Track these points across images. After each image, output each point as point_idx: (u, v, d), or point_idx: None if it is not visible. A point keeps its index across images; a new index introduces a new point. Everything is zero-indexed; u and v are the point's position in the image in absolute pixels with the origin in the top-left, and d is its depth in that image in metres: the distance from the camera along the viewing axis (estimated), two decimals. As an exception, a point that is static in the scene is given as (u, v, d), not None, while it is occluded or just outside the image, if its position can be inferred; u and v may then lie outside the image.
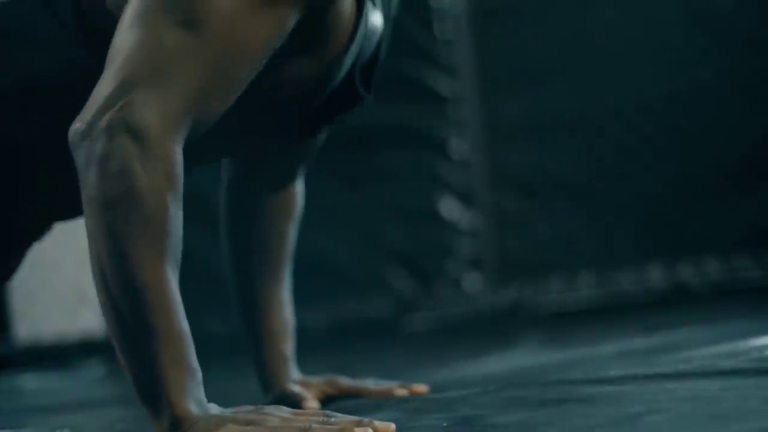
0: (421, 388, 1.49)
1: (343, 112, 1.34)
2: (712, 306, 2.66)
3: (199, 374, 1.03)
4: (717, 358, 1.44)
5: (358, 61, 1.28)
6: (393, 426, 1.04)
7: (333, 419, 1.02)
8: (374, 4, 1.27)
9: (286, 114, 1.27)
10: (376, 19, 1.28)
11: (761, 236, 2.95)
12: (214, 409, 1.02)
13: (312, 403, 1.43)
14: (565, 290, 3.15)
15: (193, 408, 1.01)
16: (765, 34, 2.97)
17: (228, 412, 1.02)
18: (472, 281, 3.25)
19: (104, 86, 1.05)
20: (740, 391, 1.12)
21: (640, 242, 3.09)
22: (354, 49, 1.23)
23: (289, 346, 1.53)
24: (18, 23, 1.23)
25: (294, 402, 1.41)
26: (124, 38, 1.07)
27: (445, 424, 1.10)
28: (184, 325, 1.02)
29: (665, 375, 1.31)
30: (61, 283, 3.30)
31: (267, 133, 1.32)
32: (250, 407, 1.03)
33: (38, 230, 1.35)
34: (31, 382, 2.91)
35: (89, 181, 1.02)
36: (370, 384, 1.50)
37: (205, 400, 1.03)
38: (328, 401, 1.46)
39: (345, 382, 1.51)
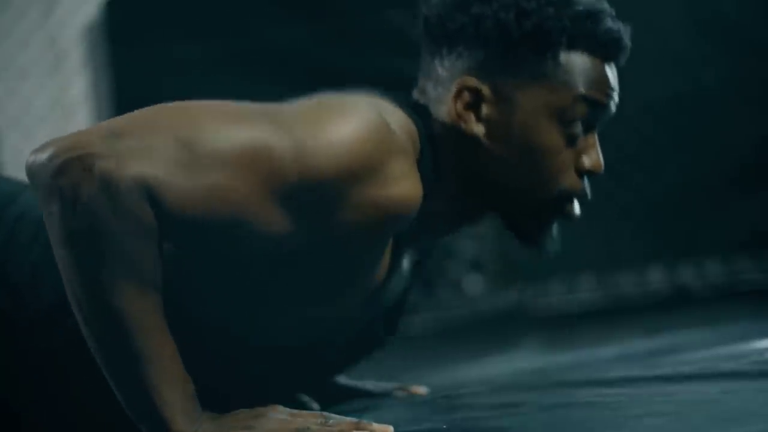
0: (421, 389, 1.49)
1: (363, 356, 1.31)
2: (713, 308, 2.66)
3: (191, 385, 1.02)
4: (718, 361, 1.44)
5: (384, 307, 1.25)
6: (391, 428, 1.03)
7: (331, 421, 1.02)
8: (408, 253, 1.24)
9: (304, 355, 1.22)
10: (405, 264, 1.25)
11: (762, 238, 2.94)
12: (210, 418, 1.02)
13: (310, 405, 1.42)
14: (566, 292, 3.14)
15: (189, 422, 1.00)
16: (767, 37, 2.97)
17: (225, 417, 1.02)
18: (473, 283, 3.25)
19: (84, 132, 1.02)
20: (741, 393, 1.12)
21: (641, 244, 3.09)
22: (382, 296, 1.20)
23: None
24: None
25: (292, 404, 1.40)
26: (132, 114, 1.04)
27: (444, 426, 1.09)
28: (168, 342, 1.01)
29: (666, 377, 1.30)
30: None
31: (284, 371, 1.27)
32: (246, 410, 1.03)
33: None
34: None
35: (52, 214, 0.99)
36: (370, 385, 1.50)
37: (200, 411, 1.02)
38: (327, 403, 1.46)
39: (344, 383, 1.51)
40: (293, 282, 1.11)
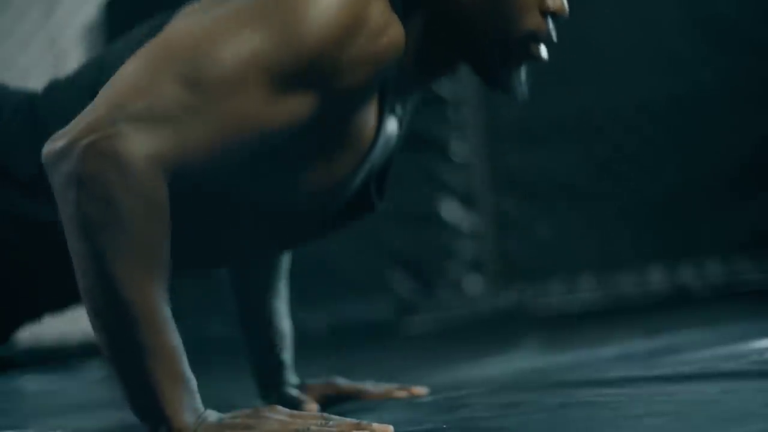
0: (421, 390, 1.49)
1: (354, 219, 1.32)
2: (713, 308, 2.66)
3: (194, 383, 1.03)
4: (717, 361, 1.44)
5: (373, 170, 1.27)
6: (391, 428, 1.03)
7: (331, 422, 1.02)
8: (392, 111, 1.26)
9: (300, 221, 1.25)
10: (392, 126, 1.27)
11: (762, 239, 2.94)
12: (211, 416, 1.02)
13: (311, 405, 1.43)
14: (566, 292, 3.14)
15: (190, 418, 1.01)
16: (765, 36, 2.97)
17: (226, 417, 1.02)
18: (473, 283, 3.25)
19: (92, 111, 1.03)
20: (741, 393, 1.12)
21: (641, 244, 3.09)
22: (372, 158, 1.22)
23: (287, 355, 1.53)
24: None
25: (293, 405, 1.41)
26: (127, 72, 1.06)
27: (444, 426, 1.10)
28: (175, 337, 1.02)
29: (666, 377, 1.31)
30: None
31: (278, 235, 1.30)
32: (247, 410, 1.03)
33: (27, 319, 1.33)
34: (32, 383, 2.91)
35: (69, 203, 1.01)
36: (370, 386, 1.51)
37: (201, 408, 1.03)
38: (327, 403, 1.46)
39: (344, 384, 1.51)
40: (294, 154, 1.14)
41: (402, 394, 1.47)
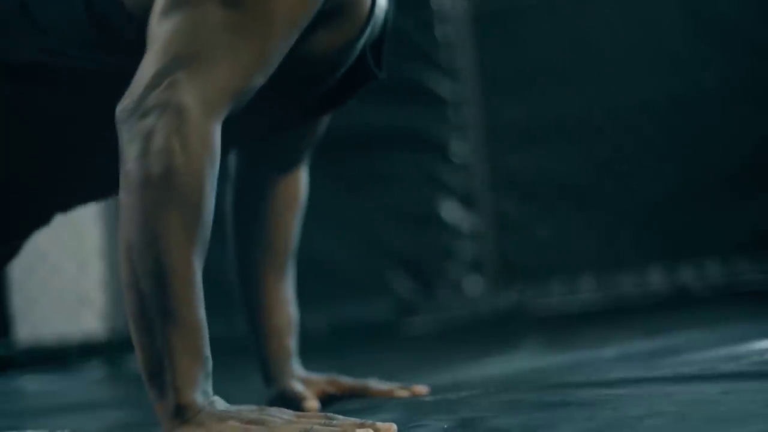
0: (422, 389, 1.49)
1: (354, 92, 1.34)
2: (713, 309, 2.66)
3: (210, 365, 1.03)
4: (718, 362, 1.44)
5: (369, 41, 1.29)
6: (395, 427, 1.04)
7: (335, 421, 1.02)
8: None
9: (300, 94, 1.27)
10: None
11: (762, 239, 2.94)
12: (219, 403, 1.02)
13: (312, 403, 1.43)
14: (566, 293, 3.15)
15: (199, 398, 1.01)
16: (765, 37, 2.97)
17: (231, 408, 1.02)
18: (473, 284, 3.25)
19: (149, 65, 1.06)
20: (741, 394, 1.12)
21: (641, 245, 3.09)
22: (368, 29, 1.24)
23: (292, 341, 1.53)
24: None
25: (295, 401, 1.41)
26: (166, 19, 1.08)
27: (445, 426, 1.10)
28: (202, 314, 1.03)
29: (666, 378, 1.31)
30: (61, 284, 3.30)
31: (279, 114, 1.33)
32: (253, 407, 1.04)
33: (39, 218, 1.35)
34: (31, 383, 2.90)
35: (130, 157, 1.03)
36: (371, 385, 1.50)
37: (211, 392, 1.03)
38: (329, 401, 1.46)
39: (346, 381, 1.51)
40: (310, 27, 1.16)
41: (403, 393, 1.47)
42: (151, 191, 1.01)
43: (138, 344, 1.03)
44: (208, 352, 1.03)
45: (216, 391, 1.06)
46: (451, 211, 3.26)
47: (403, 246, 3.26)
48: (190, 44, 1.05)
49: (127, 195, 1.03)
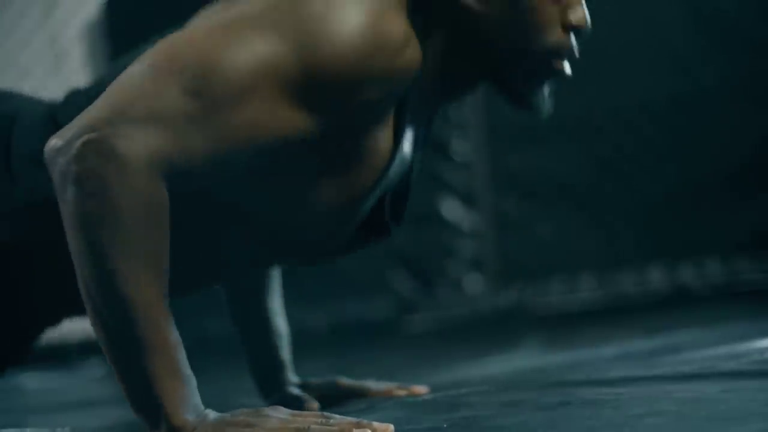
0: (421, 389, 1.49)
1: (369, 243, 1.30)
2: (713, 308, 2.66)
3: (194, 381, 1.03)
4: (718, 360, 1.44)
5: (389, 190, 1.25)
6: (392, 427, 1.03)
7: (332, 420, 1.02)
8: (410, 129, 1.23)
9: (311, 241, 1.22)
10: (407, 147, 1.24)
11: (762, 238, 2.94)
12: (211, 414, 1.02)
13: (311, 405, 1.43)
14: (566, 292, 3.14)
15: (190, 416, 1.00)
16: (766, 36, 2.97)
17: (226, 416, 1.02)
18: (473, 282, 3.25)
19: (93, 110, 1.03)
20: (741, 393, 1.12)
21: (641, 244, 3.09)
22: (389, 177, 1.20)
23: (285, 353, 1.53)
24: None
25: (294, 404, 1.41)
26: (130, 75, 1.05)
27: (445, 425, 1.09)
28: (174, 334, 1.02)
29: (666, 377, 1.31)
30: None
31: (289, 254, 1.28)
32: (247, 410, 1.03)
33: (46, 324, 1.32)
34: (32, 381, 2.91)
35: (67, 199, 1.01)
36: (370, 385, 1.50)
37: (201, 406, 1.02)
38: (327, 402, 1.46)
39: (345, 382, 1.51)
40: (305, 168, 1.12)
41: (402, 393, 1.47)
42: (95, 231, 1.00)
43: (119, 378, 1.02)
44: (188, 369, 1.02)
45: (216, 391, 1.06)
46: (451, 209, 3.25)
47: (404, 244, 3.26)
48: (143, 107, 1.01)
49: (72, 236, 1.01)
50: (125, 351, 1.01)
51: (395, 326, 3.21)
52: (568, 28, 1.20)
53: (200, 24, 1.11)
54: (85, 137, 1.00)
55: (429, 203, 3.24)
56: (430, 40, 1.18)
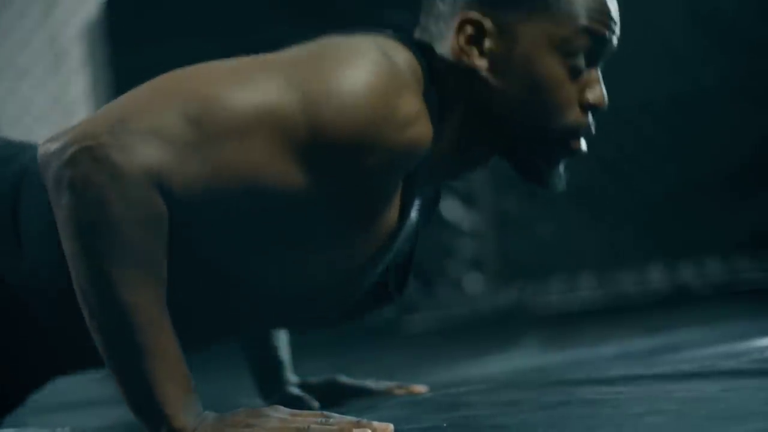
0: (421, 388, 1.49)
1: (370, 311, 1.30)
2: (713, 307, 2.66)
3: (193, 383, 1.03)
4: (718, 359, 1.44)
5: (396, 260, 1.24)
6: (391, 426, 1.03)
7: (331, 420, 1.02)
8: (419, 200, 1.23)
9: (315, 306, 1.22)
10: (413, 215, 1.23)
11: (762, 238, 2.94)
12: (210, 415, 1.02)
13: (311, 404, 1.43)
14: (566, 291, 3.15)
15: (190, 418, 1.01)
16: (766, 36, 2.97)
17: (225, 416, 1.02)
18: (473, 282, 3.25)
19: (93, 119, 1.02)
20: (741, 392, 1.12)
21: (641, 243, 3.09)
22: (395, 247, 1.19)
23: (285, 353, 1.53)
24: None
25: (294, 403, 1.41)
26: (134, 93, 1.05)
27: (444, 425, 1.09)
28: (172, 337, 1.02)
29: (666, 376, 1.31)
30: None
31: (287, 319, 1.28)
32: (247, 410, 1.03)
33: (39, 382, 1.32)
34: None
35: (62, 205, 1.00)
36: (370, 384, 1.50)
37: (201, 408, 1.02)
38: (327, 402, 1.46)
39: (344, 382, 1.51)
40: (306, 232, 1.11)
41: (402, 392, 1.47)
42: (90, 238, 0.99)
43: (118, 381, 1.02)
44: (187, 372, 1.02)
45: (216, 391, 1.06)
46: (451, 209, 3.25)
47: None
48: (143, 123, 1.00)
49: (68, 243, 1.01)
50: (123, 356, 1.01)
51: (395, 326, 3.21)
52: (586, 107, 1.20)
53: (213, 62, 1.09)
54: (82, 143, 0.99)
55: (429, 203, 3.24)
56: (446, 115, 1.17)
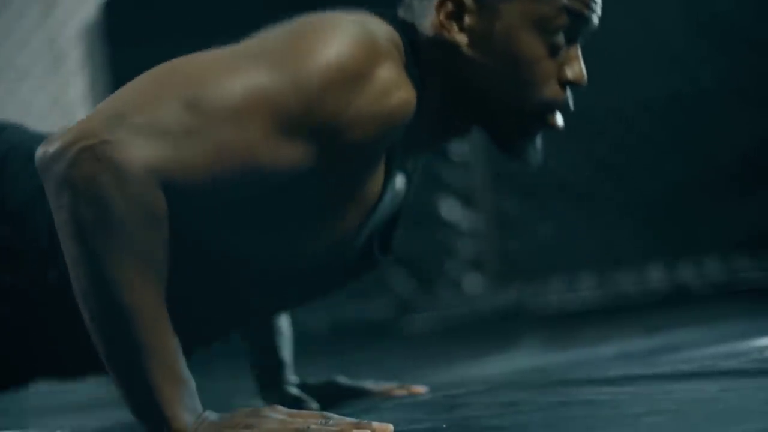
0: (420, 388, 1.49)
1: (358, 275, 1.31)
2: (713, 307, 2.66)
3: (192, 384, 1.03)
4: (717, 359, 1.44)
5: (379, 225, 1.26)
6: (391, 427, 1.03)
7: (331, 421, 1.02)
8: (401, 168, 1.25)
9: (302, 277, 1.23)
10: (399, 181, 1.26)
11: (761, 237, 2.94)
12: (210, 416, 1.02)
13: (311, 405, 1.43)
14: (566, 291, 3.15)
15: (190, 419, 1.01)
16: (765, 35, 2.97)
17: (225, 416, 1.02)
18: (473, 282, 3.25)
19: (91, 117, 1.03)
20: (740, 391, 1.12)
21: (641, 243, 3.09)
22: (378, 214, 1.21)
23: (286, 353, 1.53)
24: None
25: (293, 404, 1.41)
26: (130, 87, 1.06)
27: (444, 425, 1.10)
28: (172, 338, 1.02)
29: (665, 376, 1.31)
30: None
31: (279, 293, 1.29)
32: (247, 410, 1.03)
33: (23, 382, 1.32)
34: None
35: (62, 206, 1.00)
36: (369, 385, 1.51)
37: (201, 408, 1.02)
38: (327, 403, 1.46)
39: (344, 382, 1.52)
40: (302, 206, 1.13)
41: (401, 393, 1.47)
42: (91, 238, 0.99)
43: (118, 383, 1.03)
44: (187, 372, 1.03)
45: (216, 391, 1.06)
46: (450, 209, 3.26)
47: (403, 244, 3.26)
48: (142, 116, 1.01)
49: (68, 243, 1.01)
50: (123, 357, 1.01)
51: (395, 326, 3.21)
52: (564, 83, 1.22)
53: (204, 52, 1.11)
54: (82, 143, 0.99)
55: (428, 203, 3.24)
56: (426, 85, 1.20)
